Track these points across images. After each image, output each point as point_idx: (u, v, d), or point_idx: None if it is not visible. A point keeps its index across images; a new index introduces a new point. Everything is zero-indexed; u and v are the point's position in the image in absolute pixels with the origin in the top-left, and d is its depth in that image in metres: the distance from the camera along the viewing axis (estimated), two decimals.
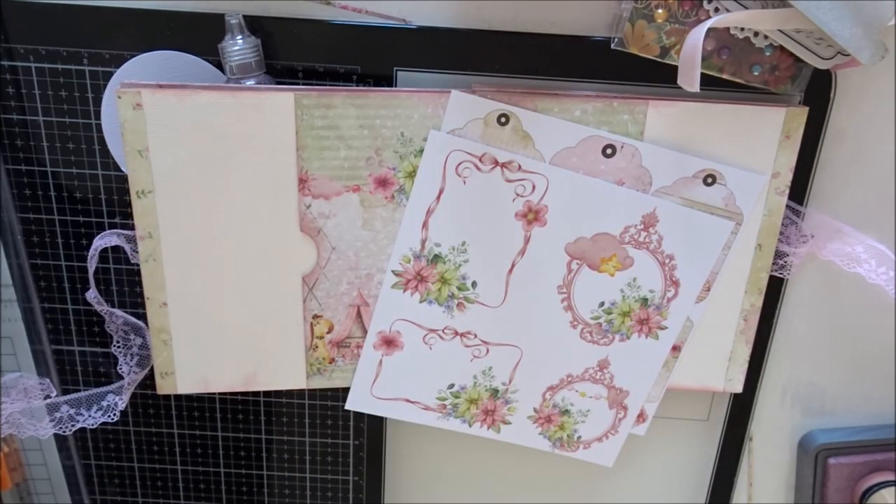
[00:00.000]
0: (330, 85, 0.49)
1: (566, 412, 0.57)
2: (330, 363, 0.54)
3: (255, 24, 0.47)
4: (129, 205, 0.49)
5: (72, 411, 0.53)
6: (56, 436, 0.58)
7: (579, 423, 0.57)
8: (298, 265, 0.51)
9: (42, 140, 0.51)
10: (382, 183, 0.49)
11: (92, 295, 0.52)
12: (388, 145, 0.48)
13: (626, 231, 0.51)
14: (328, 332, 0.53)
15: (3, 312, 0.55)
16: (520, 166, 0.49)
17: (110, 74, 0.49)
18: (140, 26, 0.48)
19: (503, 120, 0.48)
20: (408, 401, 0.56)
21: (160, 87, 0.46)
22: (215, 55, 0.47)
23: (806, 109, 0.48)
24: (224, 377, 0.54)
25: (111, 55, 0.48)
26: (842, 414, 0.60)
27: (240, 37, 0.46)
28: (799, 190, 0.51)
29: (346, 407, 0.55)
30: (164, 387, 0.53)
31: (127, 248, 0.51)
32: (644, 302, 0.53)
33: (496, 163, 0.49)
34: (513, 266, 0.51)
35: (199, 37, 0.48)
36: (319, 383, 0.55)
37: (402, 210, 0.50)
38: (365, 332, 0.53)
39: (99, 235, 0.51)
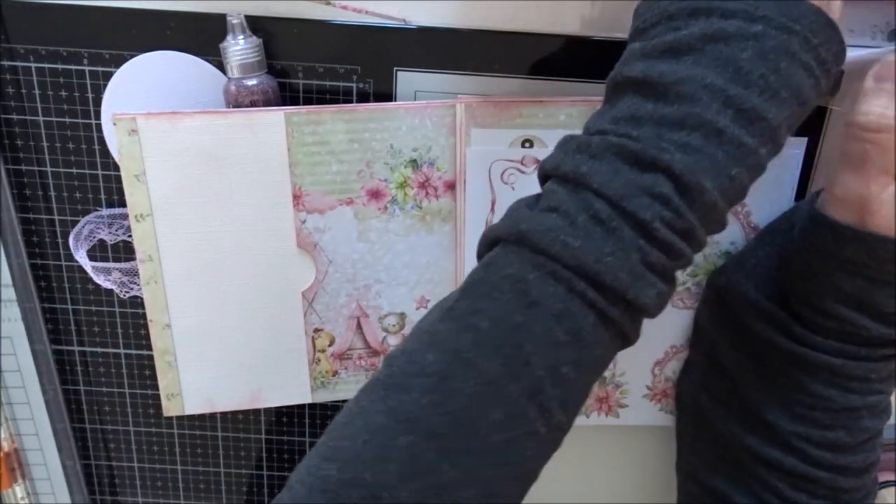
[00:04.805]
0: (330, 85, 0.49)
1: None
2: (333, 376, 0.54)
3: (255, 24, 0.47)
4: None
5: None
6: (56, 436, 0.58)
7: None
8: (297, 280, 0.51)
9: (42, 140, 0.51)
10: (375, 195, 0.50)
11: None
12: (379, 158, 0.49)
13: None
14: (330, 345, 0.53)
15: (3, 312, 0.55)
16: None
17: (110, 74, 0.49)
18: (140, 26, 0.48)
19: (527, 144, 0.48)
20: None
21: (153, 114, 0.47)
22: (216, 55, 0.47)
23: None
24: (229, 396, 0.54)
25: (111, 55, 0.48)
26: None
27: (241, 37, 0.46)
28: (799, 189, 0.51)
29: None
30: (170, 409, 0.54)
31: (106, 233, 0.51)
32: (727, 256, 0.51)
33: (537, 161, 0.48)
34: None
35: (199, 37, 0.48)
36: (324, 397, 0.55)
37: (396, 220, 0.50)
38: (365, 343, 0.54)
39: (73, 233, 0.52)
